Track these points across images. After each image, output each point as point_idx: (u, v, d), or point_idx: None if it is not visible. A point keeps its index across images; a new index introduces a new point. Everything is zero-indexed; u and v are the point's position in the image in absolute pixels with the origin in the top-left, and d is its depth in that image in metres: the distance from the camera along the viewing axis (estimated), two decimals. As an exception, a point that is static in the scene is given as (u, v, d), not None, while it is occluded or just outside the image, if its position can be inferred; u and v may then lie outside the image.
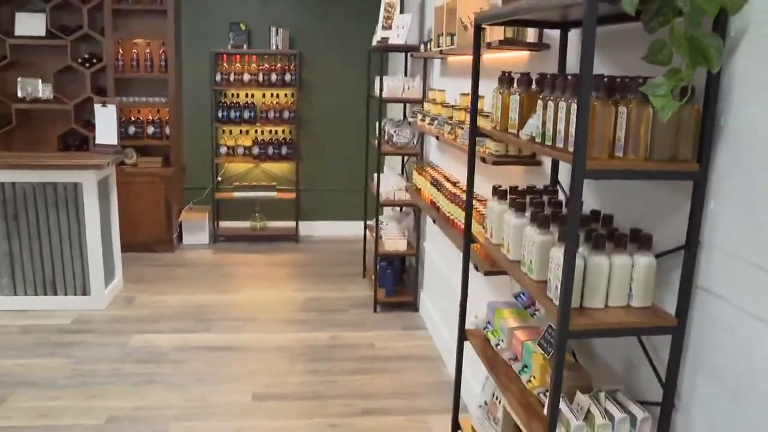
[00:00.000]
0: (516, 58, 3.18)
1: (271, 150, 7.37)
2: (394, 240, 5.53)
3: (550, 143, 1.90)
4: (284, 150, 7.39)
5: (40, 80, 6.78)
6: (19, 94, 6.77)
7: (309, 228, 7.72)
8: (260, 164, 7.53)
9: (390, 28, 5.46)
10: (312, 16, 7.37)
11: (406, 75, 6.09)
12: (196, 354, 4.60)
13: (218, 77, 7.19)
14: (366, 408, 3.95)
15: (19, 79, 6.77)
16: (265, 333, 5.00)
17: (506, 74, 2.38)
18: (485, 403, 2.80)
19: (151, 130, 7.01)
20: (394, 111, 6.43)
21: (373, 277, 5.69)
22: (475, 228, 2.84)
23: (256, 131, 7.43)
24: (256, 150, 7.37)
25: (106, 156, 5.42)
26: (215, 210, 7.51)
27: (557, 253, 1.84)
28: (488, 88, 2.79)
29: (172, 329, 5.01)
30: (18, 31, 6.70)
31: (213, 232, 7.47)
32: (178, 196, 7.26)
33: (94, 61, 6.84)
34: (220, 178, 7.56)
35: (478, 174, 2.87)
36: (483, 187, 3.29)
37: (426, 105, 4.68)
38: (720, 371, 1.70)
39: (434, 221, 4.25)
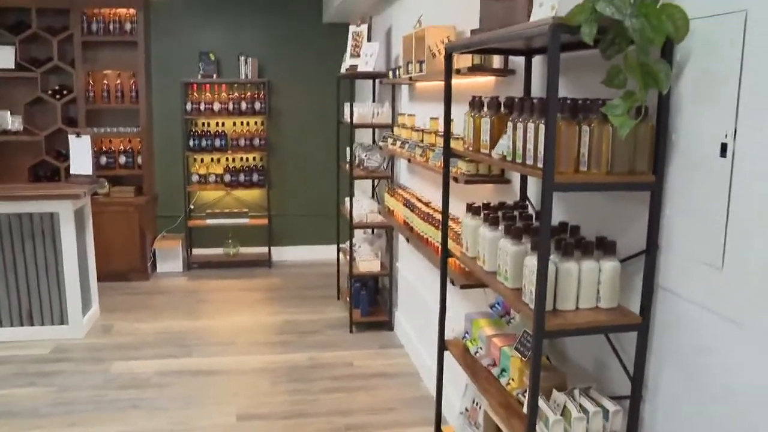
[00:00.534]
0: (483, 83, 3.37)
1: (242, 177, 7.49)
2: (368, 261, 5.67)
3: (520, 161, 2.07)
4: (255, 177, 7.51)
5: (8, 112, 6.83)
6: (-11, 127, 6.81)
7: (281, 253, 7.83)
8: (232, 191, 7.64)
9: (358, 56, 5.65)
10: (280, 45, 7.54)
11: (374, 101, 6.28)
12: (178, 378, 4.67)
13: (189, 106, 7.31)
14: (348, 424, 4.06)
15: (-12, 112, 6.82)
16: (244, 356, 5.09)
17: (477, 99, 2.57)
18: (466, 409, 2.95)
19: (123, 159, 7.09)
20: (363, 136, 6.61)
21: (348, 298, 5.82)
22: (450, 244, 3.01)
23: (227, 159, 7.56)
24: (227, 177, 7.48)
25: (83, 186, 5.49)
26: (188, 237, 7.59)
27: (531, 261, 2.01)
28: (458, 111, 2.97)
29: (153, 355, 5.07)
30: (-13, 64, 6.76)
31: (186, 259, 7.53)
32: (151, 225, 7.33)
33: (65, 92, 6.92)
34: (192, 206, 7.65)
35: (450, 193, 3.04)
36: (456, 206, 3.46)
37: (396, 129, 4.85)
38: (682, 364, 1.88)
39: (408, 240, 4.41)
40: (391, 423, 4.08)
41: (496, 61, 3.07)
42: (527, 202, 2.78)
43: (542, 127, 1.86)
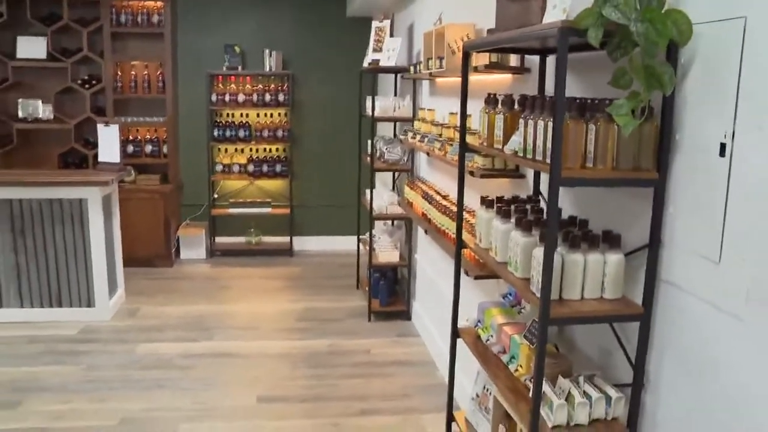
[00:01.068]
0: (500, 80, 3.47)
1: (265, 167, 7.63)
2: (387, 252, 5.79)
3: (531, 156, 2.17)
4: (278, 167, 7.65)
5: (40, 101, 7.01)
6: (20, 115, 7.00)
7: (303, 243, 7.98)
8: (255, 181, 7.79)
9: (380, 50, 5.75)
10: (304, 39, 7.67)
11: (395, 95, 6.38)
12: (200, 361, 4.83)
13: (214, 97, 7.46)
14: (364, 409, 4.19)
15: (20, 100, 7.01)
16: (265, 341, 5.23)
17: (492, 96, 2.66)
18: (477, 395, 3.06)
19: (149, 148, 7.26)
20: (385, 129, 6.71)
21: (366, 288, 5.94)
22: (465, 236, 3.11)
23: (251, 149, 7.70)
24: (251, 167, 7.63)
25: (110, 173, 5.65)
26: (212, 226, 7.76)
27: (539, 252, 2.11)
28: (475, 107, 3.07)
29: (176, 338, 5.23)
30: (20, 54, 6.94)
31: (209, 247, 7.71)
32: (175, 213, 7.50)
33: (94, 82, 7.10)
34: (216, 195, 7.82)
35: (467, 186, 3.14)
36: (471, 199, 3.56)
37: (416, 123, 4.96)
38: (683, 353, 1.97)
39: (426, 232, 4.52)
40: (406, 409, 4.20)
41: (513, 59, 3.16)
42: (540, 197, 2.87)
43: (551, 124, 1.95)
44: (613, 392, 2.18)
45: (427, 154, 4.42)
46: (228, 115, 7.63)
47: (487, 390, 2.94)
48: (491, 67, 3.16)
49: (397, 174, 6.36)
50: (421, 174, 5.51)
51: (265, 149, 7.73)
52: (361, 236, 6.62)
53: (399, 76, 6.35)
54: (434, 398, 4.30)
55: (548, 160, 1.97)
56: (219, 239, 7.88)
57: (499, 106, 2.54)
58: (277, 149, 7.75)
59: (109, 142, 5.95)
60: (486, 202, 2.71)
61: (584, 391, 2.19)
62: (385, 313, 5.83)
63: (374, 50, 5.85)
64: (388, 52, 5.58)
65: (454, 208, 3.77)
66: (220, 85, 7.53)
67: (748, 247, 1.68)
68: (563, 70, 1.84)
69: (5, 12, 6.73)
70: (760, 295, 1.64)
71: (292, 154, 7.74)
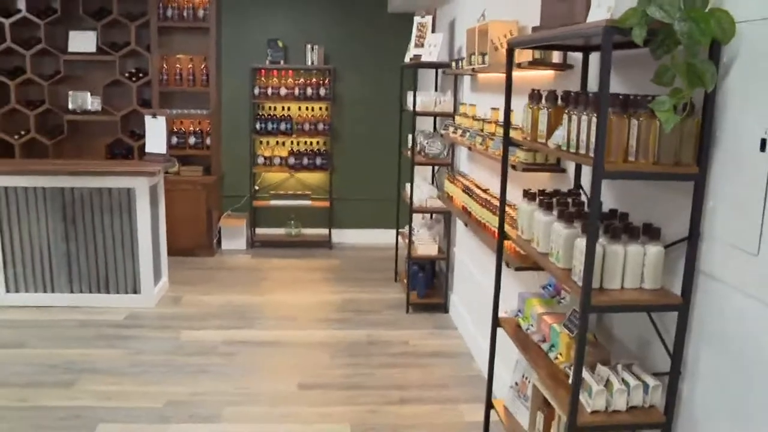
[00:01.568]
0: (543, 77, 3.52)
1: (306, 160, 7.77)
2: (426, 244, 5.88)
3: (574, 150, 2.24)
4: (318, 160, 7.78)
5: (89, 93, 7.23)
6: (70, 106, 7.23)
7: (341, 235, 8.10)
8: (295, 174, 7.93)
9: (422, 46, 5.83)
10: (346, 34, 7.77)
11: (436, 90, 6.46)
12: (242, 348, 4.97)
13: (257, 91, 7.61)
14: (402, 397, 4.28)
15: (70, 93, 7.23)
16: (305, 330, 5.36)
17: (536, 92, 2.73)
18: (516, 383, 3.14)
19: (192, 140, 7.44)
20: (424, 124, 6.79)
21: (405, 280, 6.04)
22: (506, 228, 3.18)
23: (291, 142, 7.84)
24: (291, 160, 7.77)
25: (157, 164, 5.82)
26: (252, 217, 7.93)
27: (581, 243, 2.18)
28: (517, 103, 3.13)
29: (218, 326, 5.38)
30: (71, 48, 7.16)
31: (250, 238, 7.87)
32: (217, 204, 7.67)
33: (140, 75, 7.29)
34: (257, 187, 7.97)
35: (508, 180, 3.21)
36: (512, 193, 3.62)
37: (458, 118, 5.03)
38: (720, 343, 2.03)
39: (466, 225, 4.59)
40: (444, 398, 4.29)
41: (556, 56, 3.23)
42: (580, 190, 2.93)
43: (595, 119, 2.02)
44: (651, 380, 2.24)
45: (469, 148, 4.49)
46: (270, 108, 7.78)
47: (526, 378, 3.01)
48: (534, 64, 3.23)
49: (436, 168, 6.44)
50: (461, 168, 5.58)
51: (305, 142, 7.86)
52: (400, 229, 6.71)
53: (440, 71, 6.42)
54: (471, 389, 4.38)
55: (592, 154, 2.04)
56: (259, 230, 8.04)
57: (543, 101, 2.61)
58: (317, 142, 7.87)
59: (156, 134, 6.11)
60: (528, 195, 2.78)
61: (623, 379, 2.26)
62: (423, 306, 5.92)
63: (416, 45, 5.93)
64: (429, 47, 5.66)
65: (495, 202, 3.85)
66: (263, 78, 7.67)
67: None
68: (607, 67, 1.91)
69: (59, 8, 6.95)
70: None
71: (332, 148, 7.86)
